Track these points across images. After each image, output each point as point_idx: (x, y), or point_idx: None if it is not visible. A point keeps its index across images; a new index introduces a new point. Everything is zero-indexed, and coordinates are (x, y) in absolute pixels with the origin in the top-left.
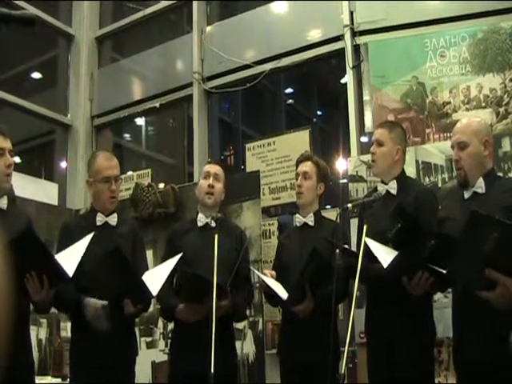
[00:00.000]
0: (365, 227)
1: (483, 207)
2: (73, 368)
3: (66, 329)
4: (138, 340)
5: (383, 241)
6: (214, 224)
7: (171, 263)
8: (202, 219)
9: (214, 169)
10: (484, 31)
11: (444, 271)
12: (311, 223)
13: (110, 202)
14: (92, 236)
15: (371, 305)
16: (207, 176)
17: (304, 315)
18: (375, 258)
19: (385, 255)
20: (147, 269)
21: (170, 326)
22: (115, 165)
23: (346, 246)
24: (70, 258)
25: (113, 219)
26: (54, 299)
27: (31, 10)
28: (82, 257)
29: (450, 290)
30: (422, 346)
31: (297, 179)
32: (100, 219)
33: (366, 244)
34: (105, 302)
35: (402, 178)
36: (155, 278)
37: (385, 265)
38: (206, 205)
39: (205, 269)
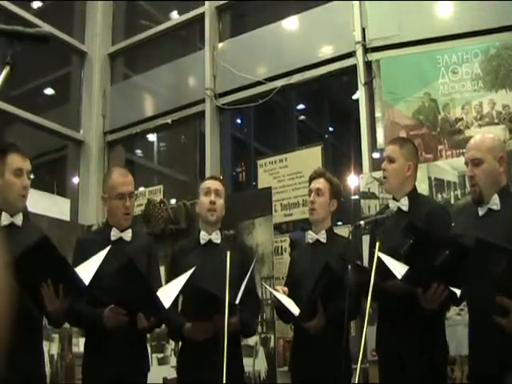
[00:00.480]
0: (377, 244)
1: (498, 224)
2: (85, 382)
3: (78, 344)
4: (149, 355)
5: (396, 257)
6: (217, 241)
7: (183, 279)
8: (204, 236)
9: (215, 185)
10: (496, 47)
11: (456, 290)
12: (323, 240)
13: (124, 218)
14: (108, 249)
15: (382, 322)
16: (208, 192)
17: (315, 331)
18: (387, 274)
19: (398, 268)
20: (161, 284)
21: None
22: (130, 181)
23: (359, 263)
24: (86, 269)
25: (127, 234)
26: (68, 315)
27: (44, 26)
28: (98, 271)
29: (463, 307)
30: (434, 363)
31: (310, 195)
32: (114, 234)
33: (378, 260)
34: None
35: (413, 194)
36: (167, 292)
37: (399, 276)
38: (209, 221)
39: (209, 286)
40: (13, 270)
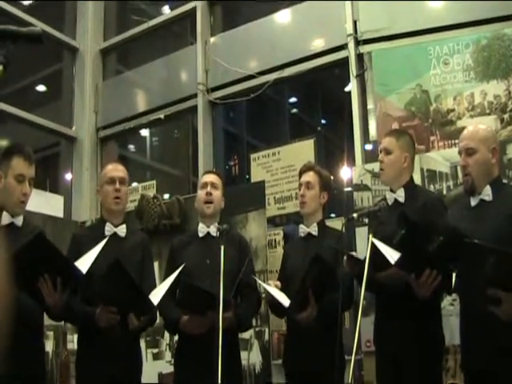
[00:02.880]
0: (370, 236)
1: (491, 215)
2: (79, 380)
3: (73, 341)
4: (142, 352)
5: (391, 247)
6: (215, 234)
7: (174, 275)
8: (202, 229)
9: (211, 178)
10: (487, 38)
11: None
12: (315, 233)
13: (114, 202)
14: (104, 243)
15: (379, 314)
16: (204, 186)
17: (307, 323)
18: (383, 266)
19: (392, 254)
20: (154, 281)
21: (177, 337)
22: (121, 169)
23: (354, 254)
24: (82, 262)
25: (122, 230)
26: (64, 312)
27: (35, 23)
28: (92, 267)
29: (456, 297)
30: (430, 354)
31: (300, 189)
32: (109, 229)
33: (373, 250)
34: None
35: (410, 185)
36: (158, 290)
37: (392, 261)
38: (206, 214)
39: (207, 280)
40: (10, 267)
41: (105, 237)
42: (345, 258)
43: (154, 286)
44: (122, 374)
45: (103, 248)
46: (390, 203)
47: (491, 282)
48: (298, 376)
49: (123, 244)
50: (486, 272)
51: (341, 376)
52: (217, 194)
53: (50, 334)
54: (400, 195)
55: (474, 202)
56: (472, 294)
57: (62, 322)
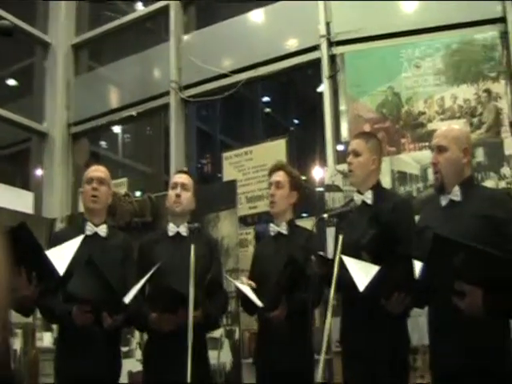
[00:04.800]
0: (340, 237)
1: (460, 215)
2: (57, 378)
3: (42, 339)
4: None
5: (358, 249)
6: (185, 233)
7: (148, 275)
8: (172, 229)
9: (182, 178)
10: (458, 42)
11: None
12: (285, 232)
13: (90, 200)
14: (82, 239)
15: (346, 314)
16: (175, 186)
17: (277, 321)
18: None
19: (361, 275)
20: (135, 283)
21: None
22: (102, 170)
23: (322, 253)
24: (59, 258)
25: (102, 230)
26: (42, 310)
27: (6, 16)
28: (71, 264)
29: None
30: (397, 354)
31: (270, 189)
32: (90, 229)
33: (342, 256)
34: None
35: (377, 188)
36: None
37: (361, 288)
38: (175, 213)
39: (177, 278)
40: None
41: (86, 236)
42: (313, 257)
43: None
44: (99, 372)
45: (83, 247)
46: (358, 204)
47: (458, 277)
48: (269, 375)
49: (104, 244)
50: (454, 266)
51: (311, 375)
52: (186, 195)
53: (19, 331)
54: (368, 197)
55: (444, 201)
56: (440, 289)
57: (31, 319)
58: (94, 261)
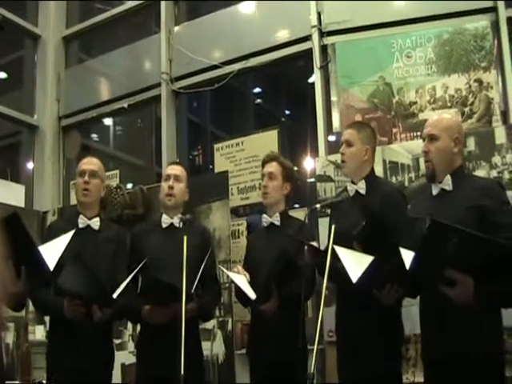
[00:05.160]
0: (333, 227)
1: (451, 205)
2: (49, 371)
3: (34, 332)
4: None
5: (349, 239)
6: (178, 225)
7: (136, 269)
8: (166, 220)
9: (175, 170)
10: (449, 32)
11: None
12: (277, 223)
13: (82, 193)
14: (74, 232)
15: (340, 304)
16: (167, 178)
17: (269, 313)
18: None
19: (354, 266)
20: (125, 276)
21: (139, 327)
22: (94, 162)
23: (314, 244)
24: (50, 253)
25: (95, 223)
26: (35, 302)
27: None
28: (62, 257)
29: None
30: (391, 343)
31: (263, 180)
32: (82, 221)
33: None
34: None
35: (371, 177)
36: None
37: (354, 279)
38: (167, 206)
39: (170, 270)
40: None
41: (79, 229)
42: (305, 248)
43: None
44: (91, 366)
45: (75, 240)
46: (351, 195)
47: (450, 264)
48: (262, 366)
49: (96, 237)
50: (447, 254)
51: (304, 366)
52: (179, 186)
53: (11, 325)
54: (361, 187)
55: (435, 191)
56: (431, 276)
57: (23, 313)
58: (81, 255)
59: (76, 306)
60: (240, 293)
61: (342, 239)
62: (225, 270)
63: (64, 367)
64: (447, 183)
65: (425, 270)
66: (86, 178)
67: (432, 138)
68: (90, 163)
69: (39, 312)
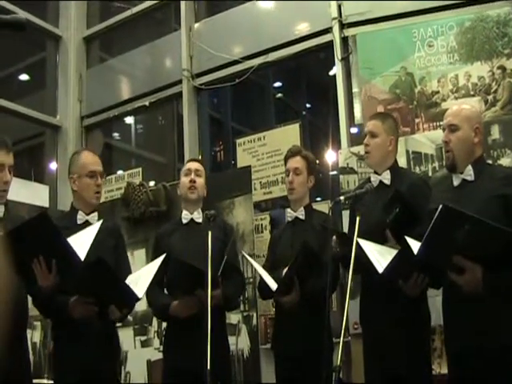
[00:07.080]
0: (357, 219)
1: (473, 195)
2: (56, 370)
3: None
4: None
5: (378, 230)
6: (199, 220)
7: (155, 264)
8: (186, 216)
9: (195, 165)
10: (471, 20)
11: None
12: (302, 217)
13: (95, 197)
14: (74, 229)
15: (365, 295)
16: (188, 172)
17: (289, 306)
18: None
19: (379, 257)
20: (129, 267)
21: (165, 324)
22: (99, 161)
23: (344, 232)
24: (79, 243)
25: (94, 218)
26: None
27: (16, 10)
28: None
29: None
30: (417, 334)
31: (287, 175)
32: (81, 218)
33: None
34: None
35: (395, 168)
36: (140, 280)
37: (380, 270)
38: (190, 200)
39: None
40: (6, 245)
41: (77, 225)
42: (334, 237)
43: (129, 272)
44: (97, 365)
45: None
46: (374, 185)
47: (459, 251)
48: (287, 360)
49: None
50: (457, 240)
51: (329, 358)
52: (200, 180)
53: (37, 324)
54: (386, 177)
55: (456, 181)
56: (438, 266)
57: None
58: (104, 260)
59: (88, 304)
60: (261, 284)
61: (370, 230)
62: (248, 257)
63: (69, 366)
64: (469, 173)
65: (433, 255)
66: (99, 181)
67: (452, 128)
68: (98, 163)
69: (42, 314)
